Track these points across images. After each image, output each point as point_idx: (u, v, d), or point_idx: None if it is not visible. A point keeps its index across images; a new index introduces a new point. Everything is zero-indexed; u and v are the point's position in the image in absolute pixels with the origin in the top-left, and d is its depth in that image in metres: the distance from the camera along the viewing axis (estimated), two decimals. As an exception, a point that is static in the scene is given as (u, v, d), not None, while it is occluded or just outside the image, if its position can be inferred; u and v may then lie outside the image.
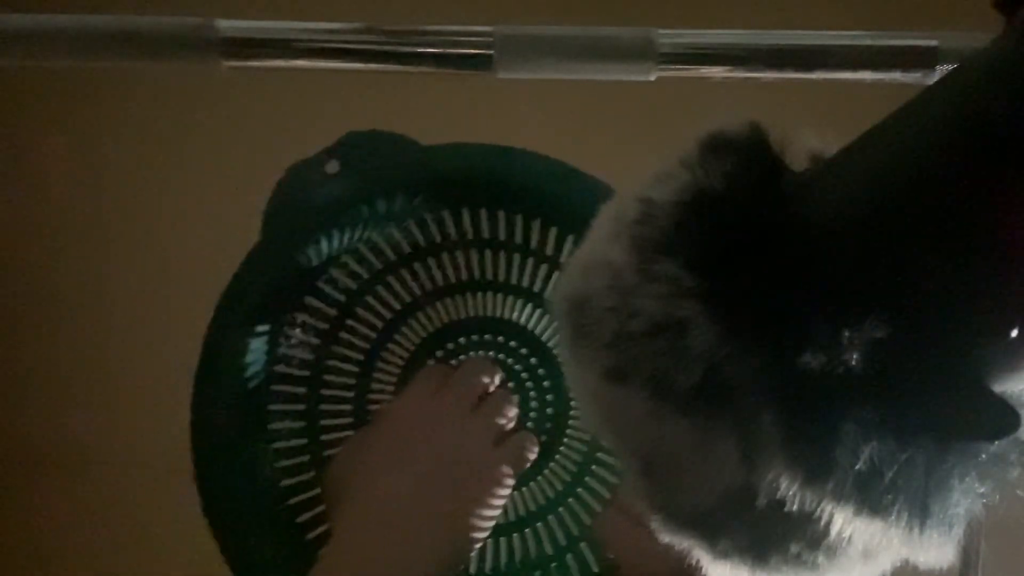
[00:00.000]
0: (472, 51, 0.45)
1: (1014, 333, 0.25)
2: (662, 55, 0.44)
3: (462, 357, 0.52)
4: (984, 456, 0.27)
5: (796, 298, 0.27)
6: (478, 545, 0.46)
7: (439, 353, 0.53)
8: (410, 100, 0.97)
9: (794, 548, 0.29)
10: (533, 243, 0.51)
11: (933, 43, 0.44)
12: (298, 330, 0.52)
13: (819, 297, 0.26)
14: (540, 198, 0.49)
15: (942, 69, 0.44)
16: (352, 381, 0.53)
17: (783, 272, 0.27)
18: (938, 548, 0.28)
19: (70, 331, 1.11)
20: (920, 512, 0.27)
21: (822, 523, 0.27)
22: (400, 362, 0.53)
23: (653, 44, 0.44)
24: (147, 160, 1.06)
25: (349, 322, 0.53)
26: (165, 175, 1.07)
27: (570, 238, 0.51)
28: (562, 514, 0.53)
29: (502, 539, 0.52)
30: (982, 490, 0.28)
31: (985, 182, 0.25)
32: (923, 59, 0.44)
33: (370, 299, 0.53)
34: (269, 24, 0.45)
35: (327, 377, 0.54)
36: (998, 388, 0.27)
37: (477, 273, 0.52)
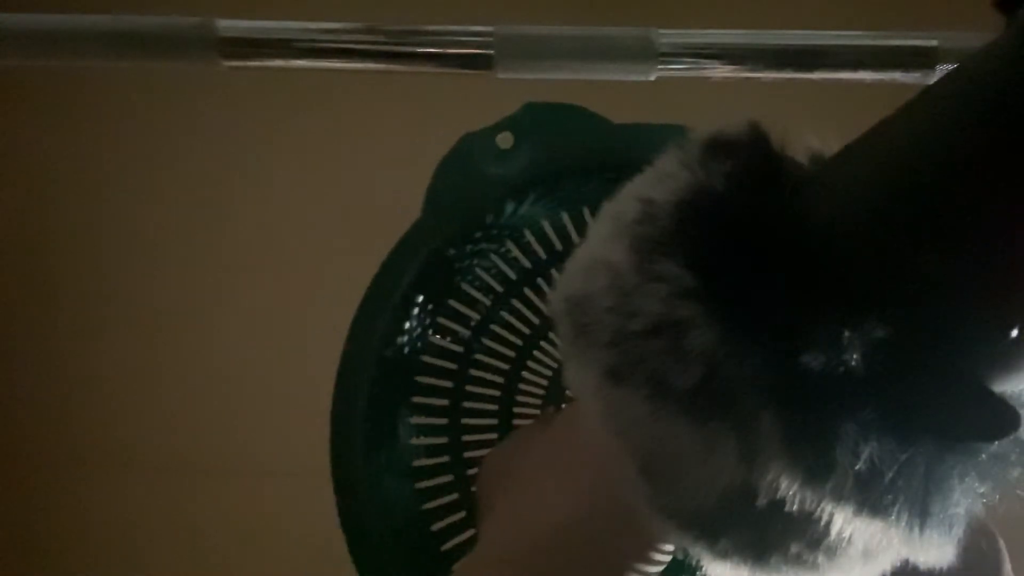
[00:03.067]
0: (472, 51, 0.45)
1: (1014, 333, 0.25)
2: (662, 55, 0.44)
3: None
4: (984, 456, 0.27)
5: (796, 298, 0.27)
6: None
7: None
8: (410, 100, 0.97)
9: (794, 548, 0.29)
10: None
11: (933, 43, 0.44)
12: (448, 319, 0.48)
13: (819, 297, 0.26)
14: None
15: (942, 69, 0.44)
16: (500, 379, 0.48)
17: (783, 272, 0.27)
18: (938, 548, 0.28)
19: (70, 331, 1.11)
20: (920, 512, 0.27)
21: (822, 523, 0.27)
22: (553, 364, 0.48)
23: (653, 44, 0.44)
24: (147, 160, 1.06)
25: (503, 313, 0.48)
26: (165, 175, 1.07)
27: None
28: None
29: None
30: (982, 490, 0.28)
31: (985, 182, 0.25)
32: (923, 59, 0.44)
33: (527, 290, 0.48)
34: (268, 24, 0.45)
35: (474, 372, 0.49)
36: (998, 388, 0.27)
37: None
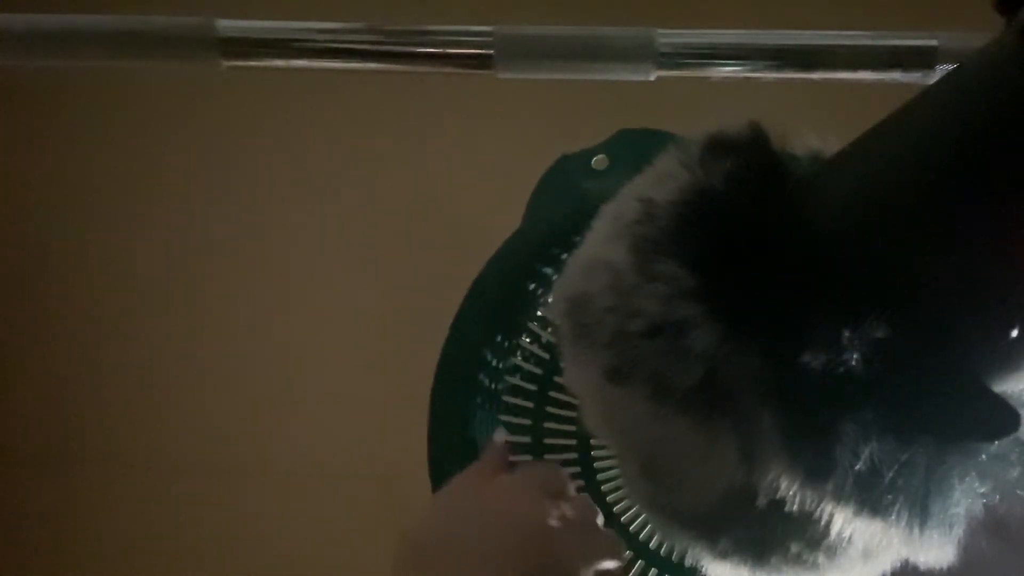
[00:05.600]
0: (472, 51, 0.45)
1: (1014, 333, 0.25)
2: (662, 55, 0.44)
3: None
4: (984, 456, 0.27)
5: (796, 298, 0.27)
6: None
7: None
8: (411, 99, 0.97)
9: (794, 548, 0.29)
10: None
11: (933, 43, 0.44)
12: (529, 340, 0.49)
13: (819, 297, 0.26)
14: None
15: (942, 69, 0.44)
16: (576, 404, 0.49)
17: (783, 272, 0.27)
18: (938, 548, 0.28)
19: (69, 331, 1.11)
20: (920, 512, 0.27)
21: (822, 523, 0.27)
22: None
23: (653, 44, 0.44)
24: (146, 160, 1.06)
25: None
26: (164, 175, 1.07)
27: None
28: None
29: None
30: (982, 490, 0.28)
31: (985, 182, 0.25)
32: (923, 59, 0.44)
33: None
34: (269, 24, 0.45)
35: (552, 394, 0.50)
36: (998, 388, 0.27)
37: None
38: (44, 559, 1.14)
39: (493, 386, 0.50)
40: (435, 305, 0.49)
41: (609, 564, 0.41)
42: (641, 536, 0.48)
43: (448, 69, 0.46)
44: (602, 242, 0.31)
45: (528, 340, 0.49)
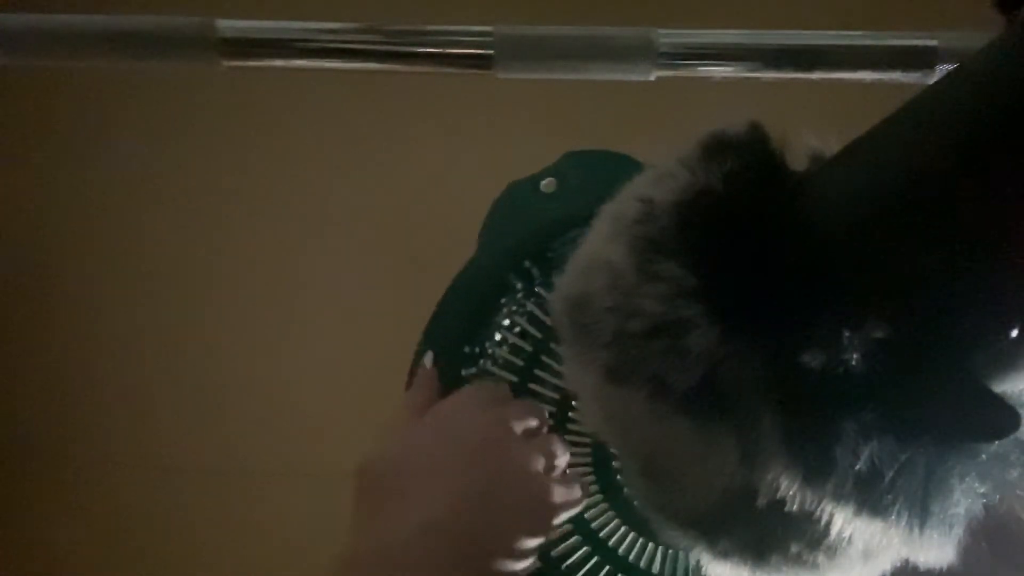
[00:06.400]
0: (472, 51, 0.45)
1: (1014, 333, 0.25)
2: (662, 55, 0.44)
3: None
4: (984, 456, 0.27)
5: (796, 298, 0.27)
6: (523, 571, 0.42)
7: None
8: (409, 100, 0.97)
9: (794, 548, 0.29)
10: None
11: (933, 43, 0.44)
12: (504, 348, 0.49)
13: (819, 297, 0.26)
14: None
15: (942, 69, 0.44)
16: (553, 409, 0.49)
17: (783, 272, 0.27)
18: (938, 548, 0.28)
19: (68, 331, 1.11)
20: (920, 512, 0.27)
21: (822, 523, 0.27)
22: None
23: (653, 44, 0.44)
24: (146, 160, 1.06)
25: (552, 346, 0.49)
26: (163, 175, 1.07)
27: None
28: None
29: None
30: (982, 490, 0.28)
31: (985, 182, 0.25)
32: (923, 59, 0.44)
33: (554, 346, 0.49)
34: (268, 24, 0.45)
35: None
36: (998, 388, 0.27)
37: None
38: (44, 559, 1.14)
39: None
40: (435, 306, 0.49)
41: (562, 461, 0.44)
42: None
43: (448, 69, 0.46)
44: (602, 242, 0.31)
45: (491, 364, 0.49)
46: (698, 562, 0.31)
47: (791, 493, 0.27)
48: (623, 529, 0.50)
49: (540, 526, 0.42)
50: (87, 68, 0.46)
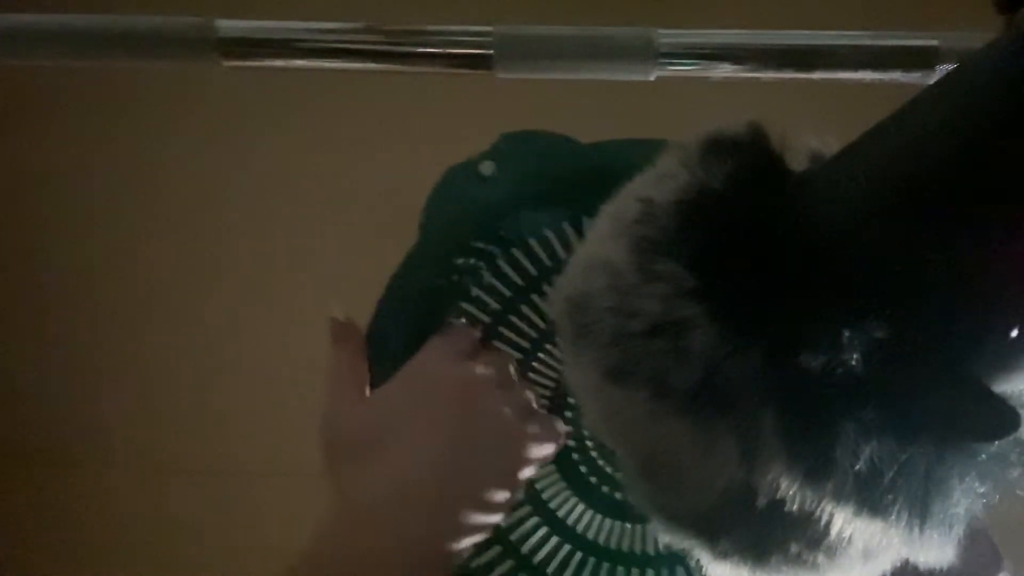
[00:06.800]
0: (472, 51, 0.45)
1: (1014, 333, 0.25)
2: (662, 55, 0.44)
3: None
4: (984, 456, 0.27)
5: (796, 298, 0.27)
6: (491, 526, 0.43)
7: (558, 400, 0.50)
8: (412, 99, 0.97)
9: (794, 548, 0.29)
10: None
11: (933, 43, 0.44)
12: (469, 306, 0.50)
13: (819, 297, 0.26)
14: None
15: (942, 69, 0.44)
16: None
17: (783, 272, 0.27)
18: (938, 548, 0.28)
19: (68, 331, 1.11)
20: (920, 512, 0.27)
21: (822, 523, 0.27)
22: (553, 374, 0.50)
23: (653, 44, 0.44)
24: (145, 160, 1.06)
25: (502, 330, 0.50)
26: (162, 175, 1.07)
27: None
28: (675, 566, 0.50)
29: (650, 570, 0.50)
30: (982, 490, 0.28)
31: (985, 182, 0.25)
32: (923, 59, 0.44)
33: (524, 308, 0.50)
34: (268, 24, 0.45)
35: None
36: (998, 388, 0.27)
37: None
38: (44, 559, 1.14)
39: None
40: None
41: (533, 410, 0.46)
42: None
43: (448, 69, 0.46)
44: (602, 242, 0.31)
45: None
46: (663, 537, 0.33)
47: (791, 493, 0.27)
48: (580, 507, 0.50)
49: (518, 474, 0.43)
50: (87, 68, 0.46)
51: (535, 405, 0.47)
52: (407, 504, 0.39)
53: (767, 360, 0.26)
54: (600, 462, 0.50)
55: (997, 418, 0.26)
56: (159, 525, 1.12)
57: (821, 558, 0.29)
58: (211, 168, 1.05)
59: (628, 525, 0.51)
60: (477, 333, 0.48)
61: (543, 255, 0.50)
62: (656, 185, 0.31)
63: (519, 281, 0.50)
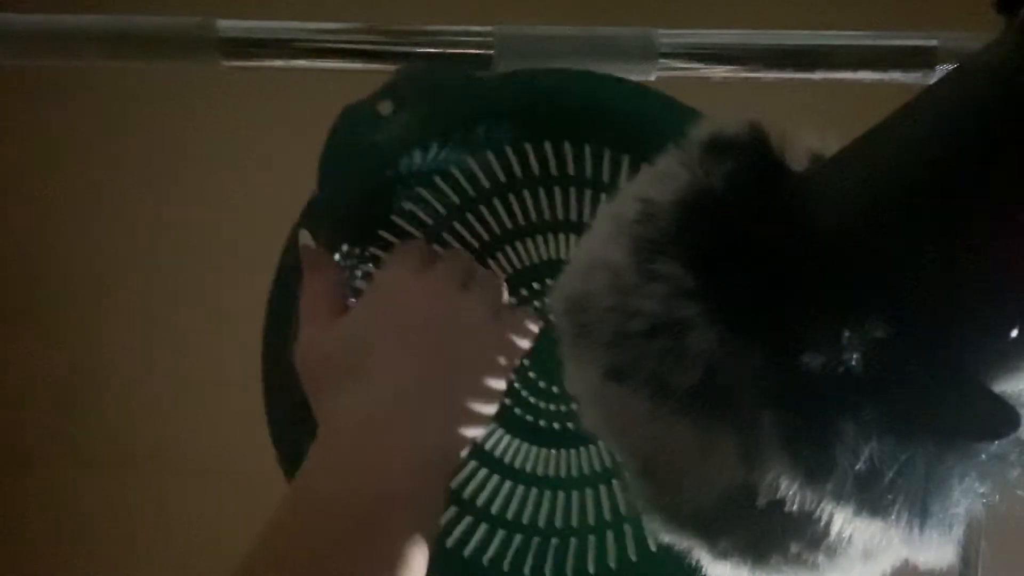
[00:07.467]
0: (472, 51, 0.45)
1: (1014, 333, 0.25)
2: (662, 55, 0.44)
3: (539, 303, 0.49)
4: (984, 456, 0.27)
5: (796, 298, 0.27)
6: (483, 427, 0.43)
7: (516, 297, 0.50)
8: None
9: (794, 548, 0.29)
10: (620, 180, 0.47)
11: (933, 43, 0.44)
12: (371, 265, 0.49)
13: (819, 297, 0.26)
14: (633, 131, 0.45)
15: (942, 69, 0.44)
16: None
17: (783, 272, 0.27)
18: (938, 548, 0.28)
19: (68, 331, 1.11)
20: (920, 512, 0.27)
21: (822, 523, 0.27)
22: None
23: (653, 44, 0.44)
24: (145, 160, 1.06)
25: (465, 214, 0.49)
26: (161, 175, 1.07)
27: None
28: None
29: (575, 492, 0.51)
30: (982, 490, 0.28)
31: (985, 182, 0.25)
32: (923, 59, 0.44)
33: (446, 235, 0.49)
34: (269, 24, 0.45)
35: None
36: (998, 388, 0.27)
37: (546, 214, 0.49)
38: (44, 559, 1.14)
39: None
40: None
41: (504, 298, 0.46)
42: None
43: (448, 69, 0.46)
44: (602, 242, 0.31)
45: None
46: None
47: (791, 493, 0.27)
48: (502, 435, 0.50)
49: (501, 366, 0.44)
50: (87, 68, 0.46)
51: (503, 294, 0.47)
52: (403, 409, 0.39)
53: (767, 360, 0.26)
54: (522, 392, 0.51)
55: (997, 418, 0.26)
56: (160, 525, 1.12)
57: (821, 558, 0.29)
58: (214, 168, 1.05)
59: (552, 450, 0.51)
60: (426, 243, 0.48)
61: (451, 193, 0.49)
62: (656, 185, 0.31)
63: (428, 221, 0.49)
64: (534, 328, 0.47)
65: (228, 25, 0.45)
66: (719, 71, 0.45)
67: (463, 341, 0.43)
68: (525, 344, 0.47)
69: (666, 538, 0.32)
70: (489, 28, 0.45)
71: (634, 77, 0.45)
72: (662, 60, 0.44)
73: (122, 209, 1.07)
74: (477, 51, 0.45)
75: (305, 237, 0.47)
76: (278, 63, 0.46)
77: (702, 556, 0.31)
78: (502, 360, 0.44)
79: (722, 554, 0.30)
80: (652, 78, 0.45)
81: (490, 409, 0.43)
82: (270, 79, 0.94)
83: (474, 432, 0.42)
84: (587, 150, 0.47)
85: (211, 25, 0.44)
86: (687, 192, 0.30)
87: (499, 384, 0.44)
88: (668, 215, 0.29)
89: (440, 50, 0.45)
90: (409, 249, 0.46)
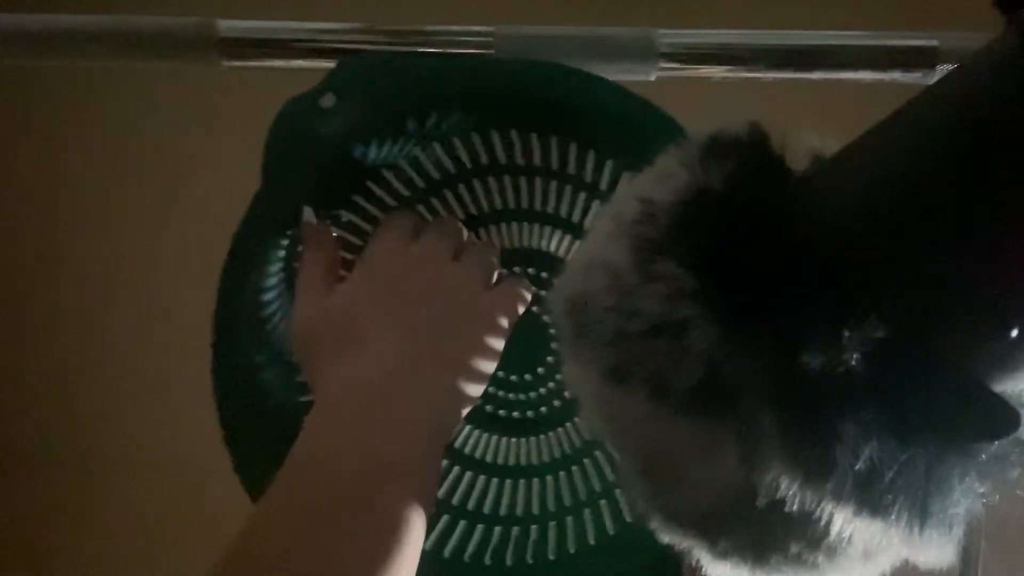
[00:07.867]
0: (472, 51, 0.45)
1: (1014, 333, 0.25)
2: (662, 55, 0.44)
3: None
4: (984, 456, 0.27)
5: (796, 298, 0.27)
6: (479, 395, 0.43)
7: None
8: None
9: (794, 548, 0.29)
10: (586, 175, 0.47)
11: (933, 43, 0.44)
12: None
13: (819, 297, 0.26)
14: (587, 122, 0.45)
15: (942, 69, 0.44)
16: None
17: (783, 272, 0.27)
18: (938, 548, 0.28)
19: (68, 331, 1.11)
20: (920, 512, 0.27)
21: (822, 523, 0.27)
22: None
23: (653, 44, 0.44)
24: (145, 160, 1.06)
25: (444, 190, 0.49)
26: (161, 175, 1.07)
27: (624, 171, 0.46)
28: (597, 458, 0.51)
29: (535, 480, 0.51)
30: (982, 490, 0.28)
31: (985, 182, 0.25)
32: (923, 59, 0.44)
33: (422, 209, 0.49)
34: (269, 24, 0.45)
35: None
36: (998, 388, 0.27)
37: (513, 202, 0.49)
38: (44, 559, 1.14)
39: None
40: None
41: (496, 267, 0.46)
42: None
43: (448, 69, 0.46)
44: (601, 242, 0.31)
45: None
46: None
47: (791, 493, 0.27)
48: (466, 427, 0.51)
49: (497, 329, 0.44)
50: (87, 68, 0.46)
51: (495, 260, 0.47)
52: (402, 377, 0.40)
53: (767, 360, 0.26)
54: None
55: (997, 418, 0.26)
56: (160, 525, 1.12)
57: (821, 558, 0.29)
58: (215, 168, 1.05)
59: (511, 439, 0.51)
60: (414, 213, 0.48)
61: (399, 185, 0.49)
62: (656, 185, 0.31)
63: (378, 214, 0.49)
64: (527, 295, 0.47)
65: (228, 25, 0.45)
66: (719, 71, 0.45)
67: (459, 308, 0.43)
68: (520, 310, 0.47)
69: (665, 538, 0.32)
70: (489, 28, 0.45)
71: (634, 77, 0.45)
72: (662, 60, 0.44)
73: (122, 209, 1.07)
74: (477, 51, 0.45)
75: (308, 214, 0.47)
76: (278, 63, 0.46)
77: (702, 556, 0.31)
78: (502, 322, 0.44)
79: (722, 554, 0.31)
80: (652, 78, 0.45)
81: (487, 372, 0.43)
82: (270, 79, 0.94)
83: (473, 395, 0.42)
84: (553, 141, 0.47)
85: (211, 25, 0.44)
86: (687, 192, 0.30)
87: (497, 346, 0.44)
88: (668, 215, 0.29)
89: (440, 50, 0.45)
90: (399, 219, 0.46)
